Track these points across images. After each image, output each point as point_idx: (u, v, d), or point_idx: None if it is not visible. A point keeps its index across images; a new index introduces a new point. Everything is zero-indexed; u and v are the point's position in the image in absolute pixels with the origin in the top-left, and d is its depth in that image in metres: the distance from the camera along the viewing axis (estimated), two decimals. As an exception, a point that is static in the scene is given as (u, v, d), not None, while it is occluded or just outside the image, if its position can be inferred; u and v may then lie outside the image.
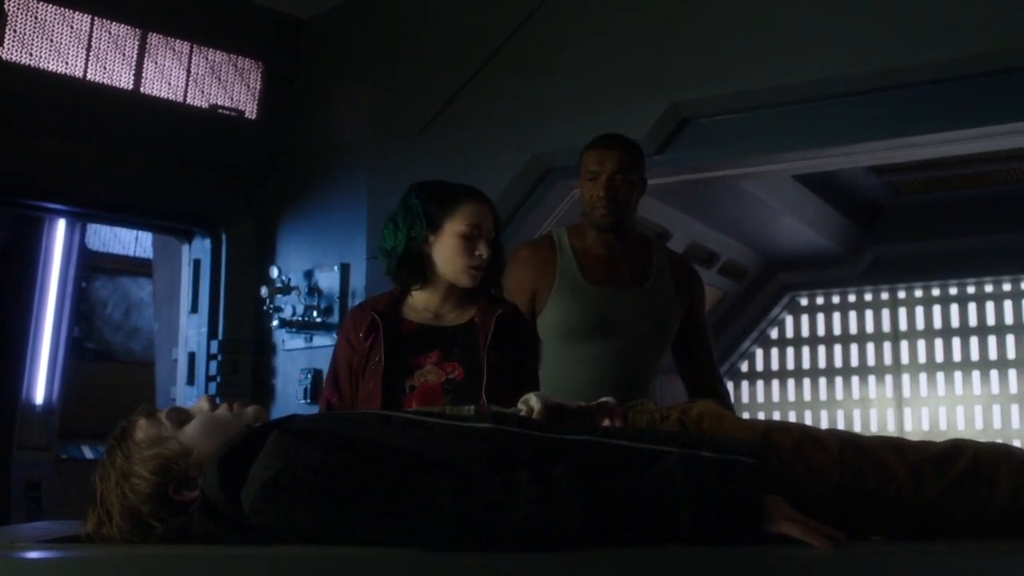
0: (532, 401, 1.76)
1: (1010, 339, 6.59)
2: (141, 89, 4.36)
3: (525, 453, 1.54)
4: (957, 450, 1.62)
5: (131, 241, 9.49)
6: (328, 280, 4.50)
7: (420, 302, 2.67)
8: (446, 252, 2.59)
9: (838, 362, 7.09)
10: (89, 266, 8.70)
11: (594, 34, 4.13)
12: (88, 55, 4.19)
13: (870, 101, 3.73)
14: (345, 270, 4.47)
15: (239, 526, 1.53)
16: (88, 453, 8.05)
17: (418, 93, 4.46)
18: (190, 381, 4.76)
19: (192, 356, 4.77)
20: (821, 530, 1.43)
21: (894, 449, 1.62)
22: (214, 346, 4.68)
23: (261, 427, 1.68)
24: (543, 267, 3.11)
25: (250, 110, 4.71)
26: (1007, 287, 6.58)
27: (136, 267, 9.35)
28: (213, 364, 4.68)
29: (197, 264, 4.80)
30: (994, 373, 6.62)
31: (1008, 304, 6.60)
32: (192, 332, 4.80)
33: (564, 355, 3.05)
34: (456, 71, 4.36)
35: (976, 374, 6.65)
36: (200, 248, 4.82)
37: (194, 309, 4.81)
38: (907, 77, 3.64)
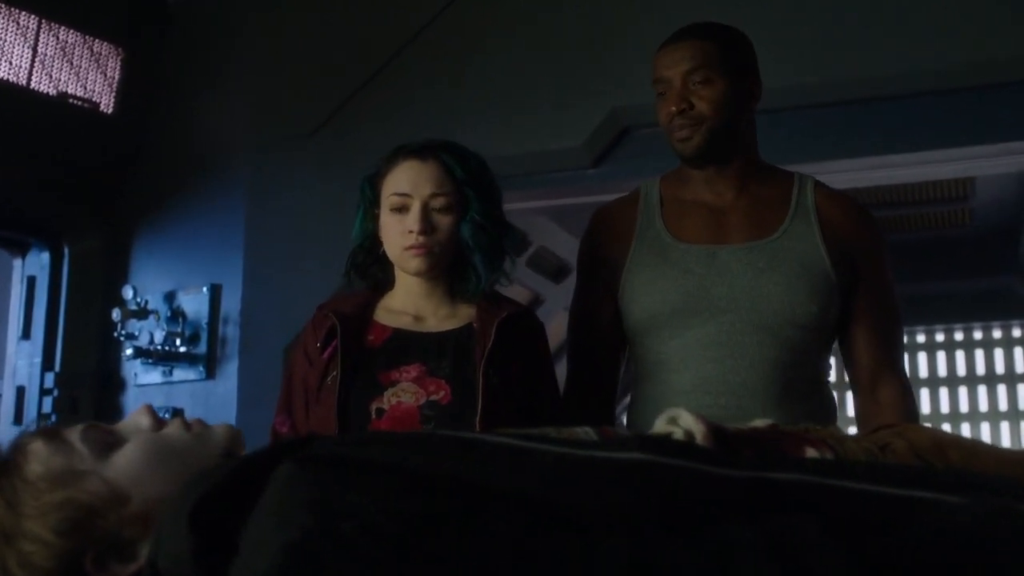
0: (686, 419, 1.12)
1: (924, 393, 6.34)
2: (-27, 66, 3.62)
3: (713, 500, 0.93)
4: None
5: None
6: (194, 304, 3.79)
7: (398, 302, 2.07)
8: (384, 232, 2.04)
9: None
10: None
11: (523, 27, 3.58)
12: (-94, 18, 3.44)
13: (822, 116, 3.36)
14: (216, 292, 3.76)
15: None
16: None
17: (311, 88, 3.81)
18: (17, 420, 4.01)
19: (21, 391, 4.02)
20: None
21: None
22: (49, 379, 3.94)
23: (253, 457, 1.00)
24: (617, 230, 2.24)
25: (106, 102, 3.97)
26: (921, 338, 6.33)
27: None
28: (47, 400, 3.93)
29: (32, 282, 4.06)
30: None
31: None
32: (22, 362, 4.05)
33: (652, 352, 2.16)
34: (359, 64, 3.74)
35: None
36: (36, 263, 4.07)
37: (26, 335, 4.06)
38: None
